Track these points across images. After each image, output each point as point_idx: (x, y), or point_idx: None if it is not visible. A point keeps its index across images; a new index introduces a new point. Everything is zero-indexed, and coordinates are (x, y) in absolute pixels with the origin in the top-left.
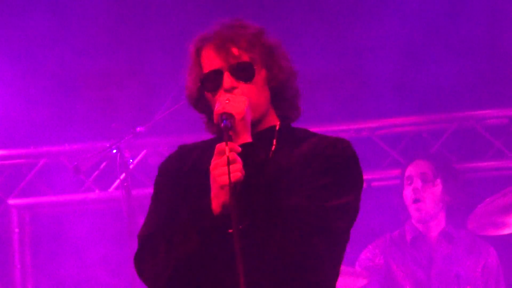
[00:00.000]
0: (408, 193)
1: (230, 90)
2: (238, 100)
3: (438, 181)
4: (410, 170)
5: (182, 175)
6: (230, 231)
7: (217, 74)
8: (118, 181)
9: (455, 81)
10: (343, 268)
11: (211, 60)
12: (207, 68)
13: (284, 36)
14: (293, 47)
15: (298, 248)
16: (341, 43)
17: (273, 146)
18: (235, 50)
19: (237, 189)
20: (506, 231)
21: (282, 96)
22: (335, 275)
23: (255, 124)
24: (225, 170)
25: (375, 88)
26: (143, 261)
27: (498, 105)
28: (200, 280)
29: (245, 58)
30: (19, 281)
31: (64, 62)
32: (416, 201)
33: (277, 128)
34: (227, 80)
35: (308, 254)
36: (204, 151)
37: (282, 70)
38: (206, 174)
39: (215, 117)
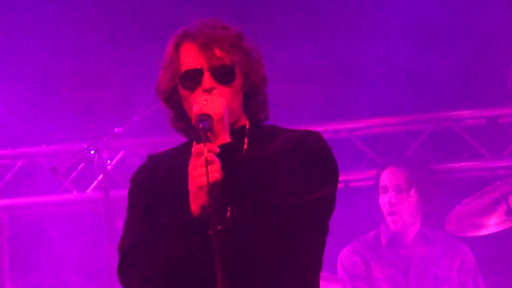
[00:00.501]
0: (383, 203)
1: (209, 91)
2: (216, 101)
3: (413, 191)
4: (384, 179)
5: (156, 183)
6: (210, 232)
7: (197, 73)
8: (96, 182)
9: (432, 82)
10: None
11: (192, 58)
12: (186, 66)
13: (262, 36)
14: (274, 47)
15: (282, 244)
16: (321, 43)
17: (245, 145)
18: (218, 52)
19: (215, 190)
20: (484, 232)
21: (253, 101)
22: (318, 267)
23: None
24: (203, 171)
25: (353, 89)
26: (127, 273)
27: (475, 105)
28: (185, 283)
29: (227, 61)
30: None
31: (43, 63)
32: (391, 213)
33: (247, 127)
34: (207, 80)
35: (292, 249)
36: (176, 156)
37: (258, 75)
38: (182, 178)
39: (193, 118)
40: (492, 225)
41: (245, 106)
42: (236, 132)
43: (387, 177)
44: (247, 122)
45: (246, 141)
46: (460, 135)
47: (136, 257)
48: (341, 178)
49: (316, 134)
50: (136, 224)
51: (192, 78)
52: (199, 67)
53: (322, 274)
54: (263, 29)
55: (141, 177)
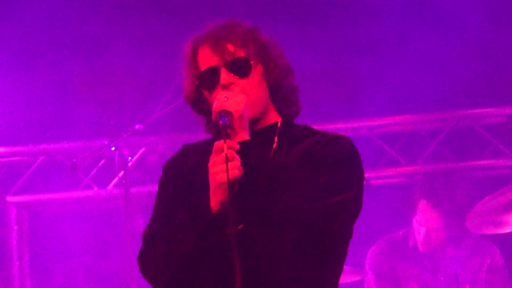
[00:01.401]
0: (417, 228)
1: (227, 86)
2: (236, 98)
3: (446, 225)
4: (420, 215)
5: (184, 175)
6: (228, 230)
7: (213, 72)
8: (116, 179)
9: (453, 80)
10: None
11: (207, 59)
12: (203, 67)
13: (282, 33)
14: (291, 45)
15: (295, 247)
16: (340, 41)
17: (275, 144)
18: (230, 47)
19: (234, 187)
20: (504, 230)
21: (279, 93)
22: (338, 271)
23: (256, 121)
24: (223, 167)
25: (373, 86)
26: (145, 261)
27: (496, 103)
28: (198, 279)
29: (241, 53)
30: (18, 277)
31: (63, 60)
32: (423, 243)
33: (279, 125)
34: (224, 76)
35: (306, 252)
36: (206, 150)
37: (278, 66)
38: (206, 173)
39: (213, 115)
40: None
41: (273, 101)
42: (267, 130)
43: (422, 216)
44: (279, 120)
45: (276, 140)
46: (480, 133)
47: (155, 248)
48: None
49: (345, 139)
50: (160, 215)
51: (210, 77)
52: (214, 65)
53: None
54: (281, 26)
55: (171, 167)
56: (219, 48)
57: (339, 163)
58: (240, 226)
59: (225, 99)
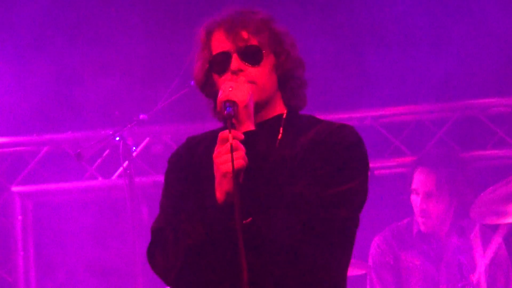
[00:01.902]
0: (414, 203)
1: (236, 72)
2: (241, 88)
3: (444, 195)
4: (416, 183)
5: (191, 167)
6: (233, 222)
7: (225, 56)
8: (121, 169)
9: (458, 70)
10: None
11: (220, 43)
12: (216, 51)
13: (286, 23)
14: (295, 35)
15: (300, 237)
16: (344, 31)
17: (280, 135)
18: (244, 34)
19: (240, 177)
20: (507, 220)
21: (288, 85)
22: (346, 262)
23: (261, 108)
24: (228, 157)
25: (378, 76)
26: (154, 254)
27: (501, 93)
28: (208, 270)
29: (254, 42)
30: (22, 267)
31: (67, 50)
32: (422, 217)
33: (284, 116)
34: (235, 62)
35: (312, 243)
36: (211, 141)
37: (290, 58)
38: (213, 164)
39: (218, 105)
40: None
41: (281, 92)
42: (273, 120)
43: (418, 181)
44: (285, 111)
45: (281, 131)
46: (485, 123)
47: (164, 241)
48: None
49: (349, 128)
50: (168, 208)
51: (221, 62)
52: (226, 50)
53: None
54: (285, 14)
55: (177, 159)
56: (233, 34)
57: (345, 152)
58: (249, 220)
59: (230, 89)
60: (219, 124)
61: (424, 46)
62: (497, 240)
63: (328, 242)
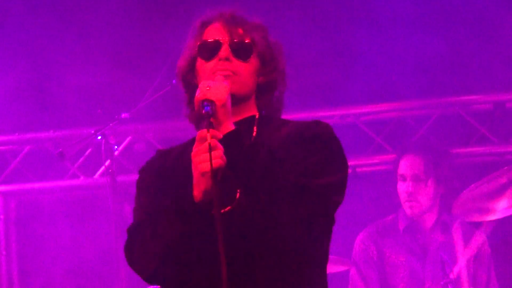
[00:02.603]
0: (401, 190)
1: (224, 60)
2: (219, 87)
3: (431, 180)
4: (402, 168)
5: (163, 172)
6: (212, 213)
7: (216, 44)
8: (103, 167)
9: (439, 67)
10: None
11: (214, 32)
12: (208, 38)
13: (267, 19)
14: (277, 31)
15: (286, 230)
16: (325, 27)
17: (254, 133)
18: (241, 30)
19: (218, 176)
20: (490, 217)
21: (267, 96)
22: (325, 255)
23: (235, 105)
24: (206, 157)
25: (360, 73)
26: (132, 251)
27: (482, 90)
28: (186, 266)
29: (247, 39)
30: (5, 266)
31: (49, 48)
32: (409, 201)
33: (257, 117)
34: (225, 50)
35: (296, 235)
36: (185, 147)
37: (277, 67)
38: (187, 165)
39: (196, 104)
40: (500, 210)
41: (257, 99)
42: (246, 121)
43: (405, 166)
44: (257, 113)
45: (255, 130)
46: (467, 120)
47: (141, 237)
48: (348, 163)
49: (324, 124)
50: (143, 208)
51: (211, 48)
52: (220, 39)
53: (330, 257)
54: (268, 13)
55: (149, 168)
56: (230, 27)
57: (323, 145)
58: (227, 208)
59: (208, 88)
60: (185, 123)
61: (406, 43)
62: (481, 236)
63: (307, 237)
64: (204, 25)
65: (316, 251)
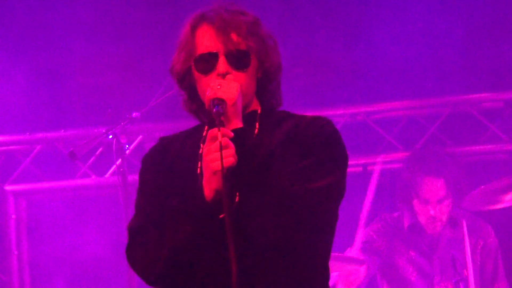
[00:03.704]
0: (422, 211)
1: (223, 76)
2: (230, 86)
3: (450, 198)
4: (426, 192)
5: (166, 164)
6: (222, 216)
7: (212, 57)
8: (114, 167)
9: (450, 65)
10: (340, 255)
11: (208, 41)
12: (202, 49)
13: (276, 20)
14: (289, 31)
15: (287, 231)
16: (335, 27)
17: (256, 130)
18: (234, 36)
19: (229, 175)
20: (498, 206)
21: (267, 88)
22: (327, 255)
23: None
24: (217, 155)
25: (370, 72)
26: (135, 253)
27: (493, 88)
28: (193, 267)
29: (243, 46)
30: (16, 266)
31: (60, 47)
32: (432, 222)
33: (259, 112)
34: (222, 65)
35: (298, 236)
36: (186, 138)
37: (272, 64)
38: (191, 160)
39: (207, 103)
40: (508, 200)
41: (258, 92)
42: (248, 117)
43: (428, 190)
44: (259, 108)
45: (257, 126)
46: (477, 119)
47: (145, 239)
48: (359, 161)
49: (325, 120)
50: (146, 206)
51: (207, 62)
52: (214, 51)
53: (334, 254)
54: (277, 13)
55: (151, 158)
56: (224, 35)
57: (321, 145)
58: (234, 205)
59: (219, 87)
60: (195, 122)
61: (416, 42)
62: (487, 228)
63: (312, 235)
64: (194, 28)
65: (318, 248)
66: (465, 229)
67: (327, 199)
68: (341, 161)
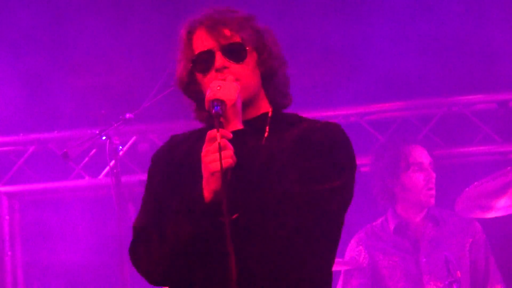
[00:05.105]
0: (418, 179)
1: (221, 70)
2: (229, 87)
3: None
4: (418, 157)
5: (174, 165)
6: (222, 218)
7: (208, 55)
8: (107, 168)
9: (443, 66)
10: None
11: (202, 42)
12: (198, 50)
13: (269, 18)
14: (281, 32)
15: (290, 234)
16: (330, 28)
17: (266, 133)
18: (226, 31)
19: (228, 176)
20: (492, 215)
21: (272, 83)
22: (331, 259)
23: (247, 106)
24: (216, 156)
25: (364, 73)
26: (138, 253)
27: (486, 90)
28: (194, 268)
29: (237, 39)
30: (10, 267)
31: (53, 48)
32: (430, 188)
33: (270, 114)
34: (219, 59)
35: (301, 239)
36: (196, 140)
37: (272, 55)
38: (198, 163)
39: (206, 104)
40: (501, 208)
41: (265, 90)
42: (258, 119)
43: (420, 155)
44: (270, 109)
45: (267, 129)
46: (471, 120)
47: (148, 238)
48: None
49: (336, 126)
50: (151, 206)
51: (205, 60)
52: (210, 48)
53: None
54: (270, 12)
55: (160, 157)
56: (215, 32)
57: (329, 150)
58: (235, 216)
59: (218, 87)
60: (190, 123)
61: (409, 42)
62: (473, 225)
63: (316, 239)
64: (190, 33)
65: (322, 252)
66: (451, 225)
67: (330, 202)
68: (348, 166)
